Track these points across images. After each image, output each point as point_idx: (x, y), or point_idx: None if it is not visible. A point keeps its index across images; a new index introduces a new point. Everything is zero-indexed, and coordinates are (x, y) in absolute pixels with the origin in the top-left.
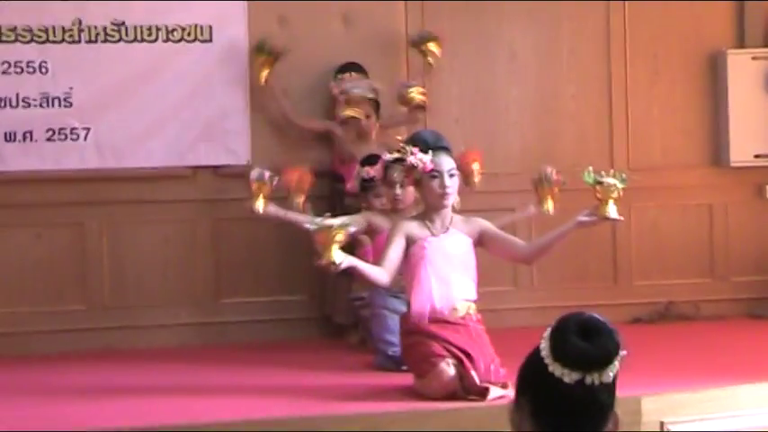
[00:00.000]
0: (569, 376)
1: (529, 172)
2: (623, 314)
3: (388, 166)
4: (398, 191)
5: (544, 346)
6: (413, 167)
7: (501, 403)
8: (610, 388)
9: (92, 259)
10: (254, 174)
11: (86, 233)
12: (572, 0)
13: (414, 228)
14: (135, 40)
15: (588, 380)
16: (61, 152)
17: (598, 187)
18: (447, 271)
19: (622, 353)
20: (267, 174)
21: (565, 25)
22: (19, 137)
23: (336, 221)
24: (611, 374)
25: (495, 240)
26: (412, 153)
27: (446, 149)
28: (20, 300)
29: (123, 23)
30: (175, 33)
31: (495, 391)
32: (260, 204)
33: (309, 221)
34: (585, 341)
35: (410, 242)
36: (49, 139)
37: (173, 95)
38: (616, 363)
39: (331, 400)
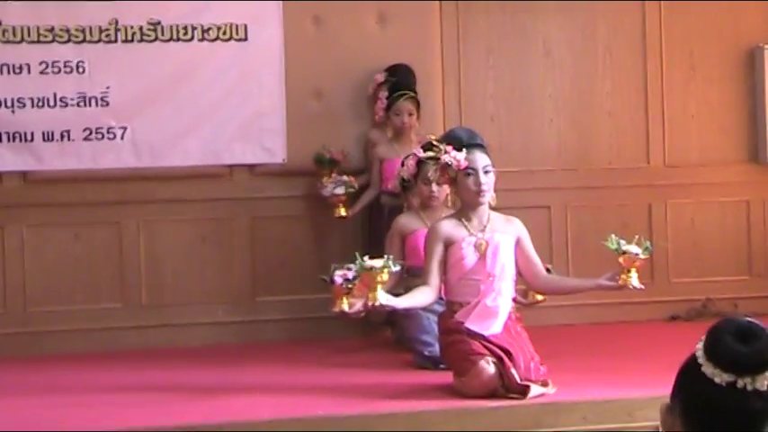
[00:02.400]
0: (720, 377)
1: (564, 169)
2: (661, 312)
3: (422, 164)
4: (435, 188)
5: (699, 346)
6: (447, 165)
7: (541, 401)
8: (764, 396)
9: (129, 258)
10: (338, 279)
11: (123, 232)
12: None
13: (450, 227)
14: (171, 39)
15: (740, 383)
16: (98, 151)
17: (621, 256)
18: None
19: None
20: (350, 274)
21: (600, 22)
22: (56, 136)
23: (380, 263)
24: (766, 382)
25: (522, 254)
26: (445, 151)
27: (481, 146)
28: (58, 298)
29: (159, 23)
30: (211, 32)
31: (535, 389)
32: (345, 305)
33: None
34: (743, 344)
35: (448, 243)
36: (86, 139)
37: (209, 94)
38: None
39: (371, 398)
